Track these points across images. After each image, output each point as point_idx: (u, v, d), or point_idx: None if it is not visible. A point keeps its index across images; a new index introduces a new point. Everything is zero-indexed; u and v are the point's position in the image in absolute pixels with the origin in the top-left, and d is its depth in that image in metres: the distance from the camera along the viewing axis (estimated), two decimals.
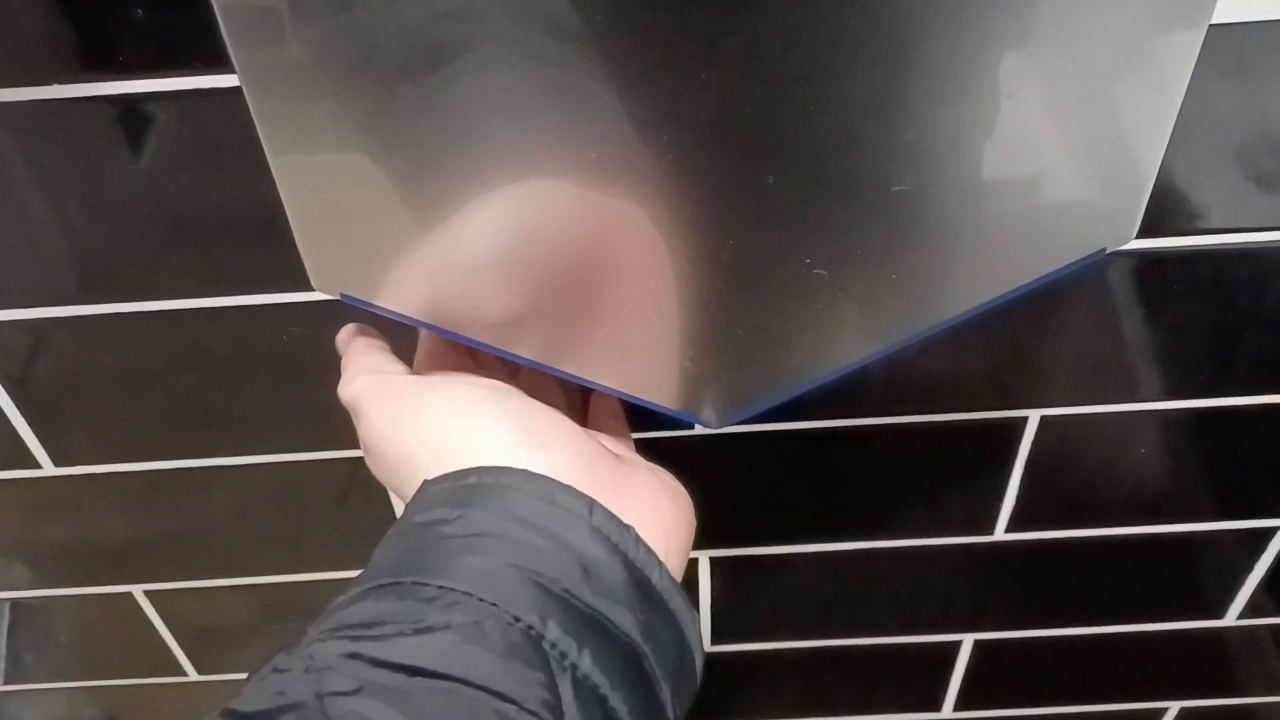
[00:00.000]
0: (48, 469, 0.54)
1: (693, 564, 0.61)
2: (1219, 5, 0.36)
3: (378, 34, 0.30)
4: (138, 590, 0.62)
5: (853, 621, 0.66)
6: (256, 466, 0.55)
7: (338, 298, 0.38)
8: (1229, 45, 0.39)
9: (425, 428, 0.35)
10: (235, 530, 0.59)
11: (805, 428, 0.53)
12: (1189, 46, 0.32)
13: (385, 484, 0.38)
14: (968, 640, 0.67)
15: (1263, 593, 0.64)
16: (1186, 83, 0.33)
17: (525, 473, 0.33)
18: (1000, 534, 0.59)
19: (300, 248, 0.37)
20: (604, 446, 0.36)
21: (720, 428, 0.38)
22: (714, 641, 0.67)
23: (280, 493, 0.56)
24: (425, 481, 0.34)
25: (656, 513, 0.35)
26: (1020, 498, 0.57)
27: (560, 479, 0.33)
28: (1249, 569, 0.63)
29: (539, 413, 0.36)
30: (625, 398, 0.38)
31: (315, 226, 0.36)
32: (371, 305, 0.37)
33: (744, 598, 0.64)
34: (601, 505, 0.33)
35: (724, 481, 0.57)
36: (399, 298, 0.37)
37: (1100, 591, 0.64)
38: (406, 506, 0.34)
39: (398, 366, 0.39)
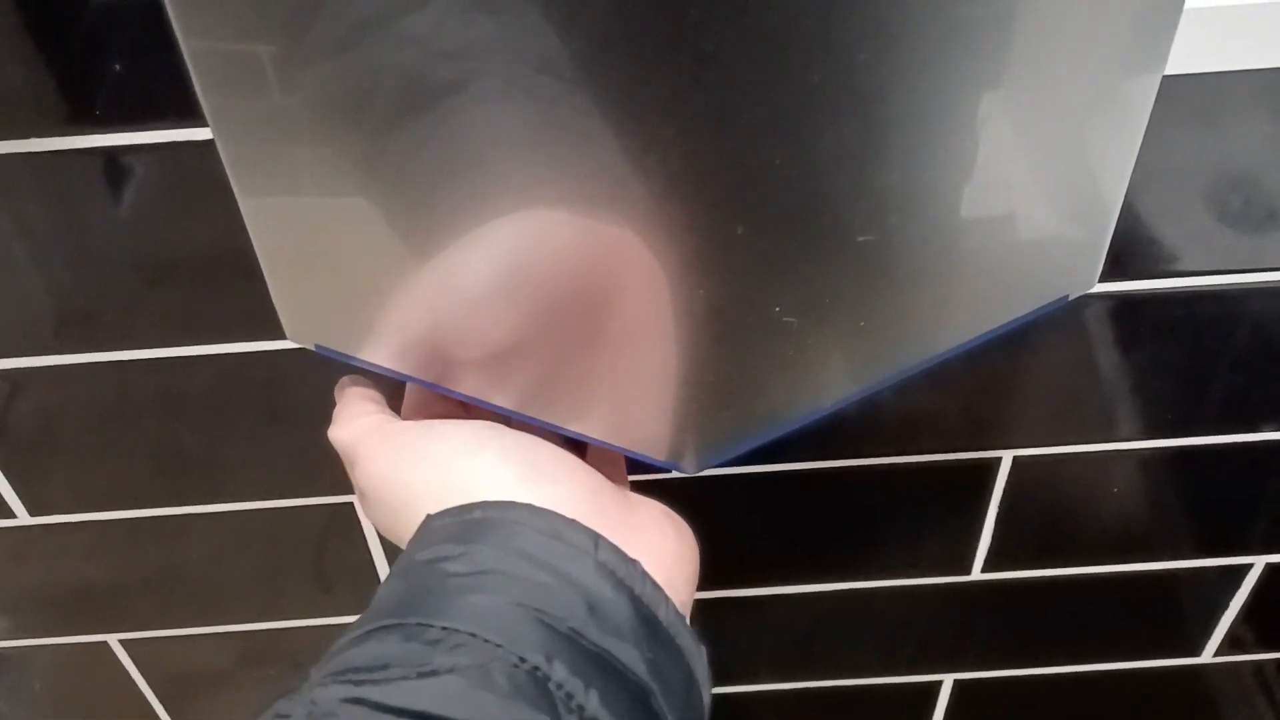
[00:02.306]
0: (23, 518, 0.54)
1: None
2: (1178, 57, 0.37)
3: (361, 78, 0.31)
4: (113, 639, 0.62)
5: (834, 663, 0.66)
6: (233, 513, 0.54)
7: (312, 348, 0.38)
8: (1188, 95, 0.40)
9: (428, 468, 0.35)
10: (212, 577, 0.58)
11: (783, 470, 0.54)
12: (1146, 90, 0.33)
13: (384, 530, 0.38)
14: (948, 680, 0.67)
15: (1239, 628, 0.64)
16: (1144, 126, 0.34)
17: (530, 508, 0.32)
18: (977, 573, 0.60)
19: (274, 297, 0.37)
20: (606, 480, 0.36)
21: (697, 473, 0.38)
22: None
23: (257, 539, 0.56)
24: (429, 516, 0.34)
25: (662, 546, 0.35)
26: (996, 537, 0.57)
27: (565, 513, 0.32)
28: (1225, 606, 0.63)
29: (541, 448, 0.36)
30: (599, 444, 0.38)
31: (289, 275, 0.37)
32: (346, 356, 0.37)
33: (725, 640, 0.64)
34: (607, 540, 0.32)
35: (703, 524, 0.57)
36: (373, 349, 0.37)
37: (1078, 630, 0.64)
38: (409, 543, 0.34)
39: (390, 414, 0.39)
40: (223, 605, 0.60)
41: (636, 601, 0.32)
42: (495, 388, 0.37)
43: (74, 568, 0.57)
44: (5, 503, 0.53)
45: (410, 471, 0.36)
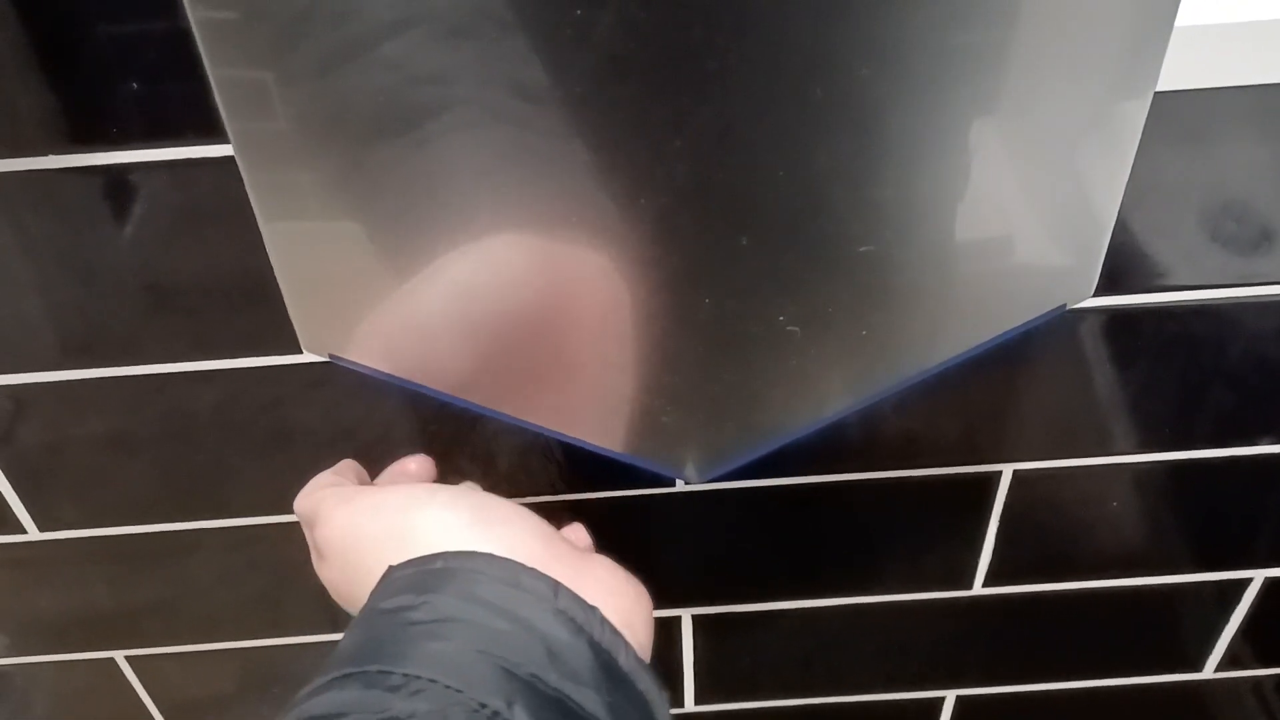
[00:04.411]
0: (32, 534, 0.54)
1: (675, 622, 0.61)
2: (1171, 74, 0.38)
3: (354, 98, 0.31)
4: (119, 655, 0.62)
5: (836, 679, 0.66)
6: (241, 529, 0.55)
7: (327, 359, 0.39)
8: (1180, 112, 0.41)
9: (384, 518, 0.36)
10: (219, 594, 0.59)
11: (784, 484, 0.54)
12: (1137, 112, 0.34)
13: (340, 592, 0.38)
14: (950, 696, 0.67)
15: (1239, 644, 0.65)
16: (1135, 145, 0.35)
17: (490, 557, 0.33)
18: (978, 589, 0.60)
19: (290, 311, 0.38)
20: (554, 528, 0.37)
21: (701, 482, 0.39)
22: (697, 701, 0.67)
23: (265, 555, 0.56)
24: (390, 567, 0.34)
25: (618, 590, 0.35)
26: (996, 552, 0.58)
27: (518, 557, 0.33)
28: (1225, 621, 0.63)
29: (486, 497, 0.37)
30: (606, 454, 0.39)
31: (304, 290, 0.37)
32: (359, 365, 0.38)
33: (727, 656, 0.64)
34: (566, 588, 0.33)
35: (705, 539, 0.57)
36: (385, 356, 0.38)
37: (1078, 645, 0.64)
38: (371, 593, 0.34)
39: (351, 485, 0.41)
40: (229, 622, 0.60)
41: (595, 646, 0.32)
42: (501, 397, 0.38)
43: (82, 584, 0.57)
44: (16, 518, 0.54)
45: (368, 523, 0.37)
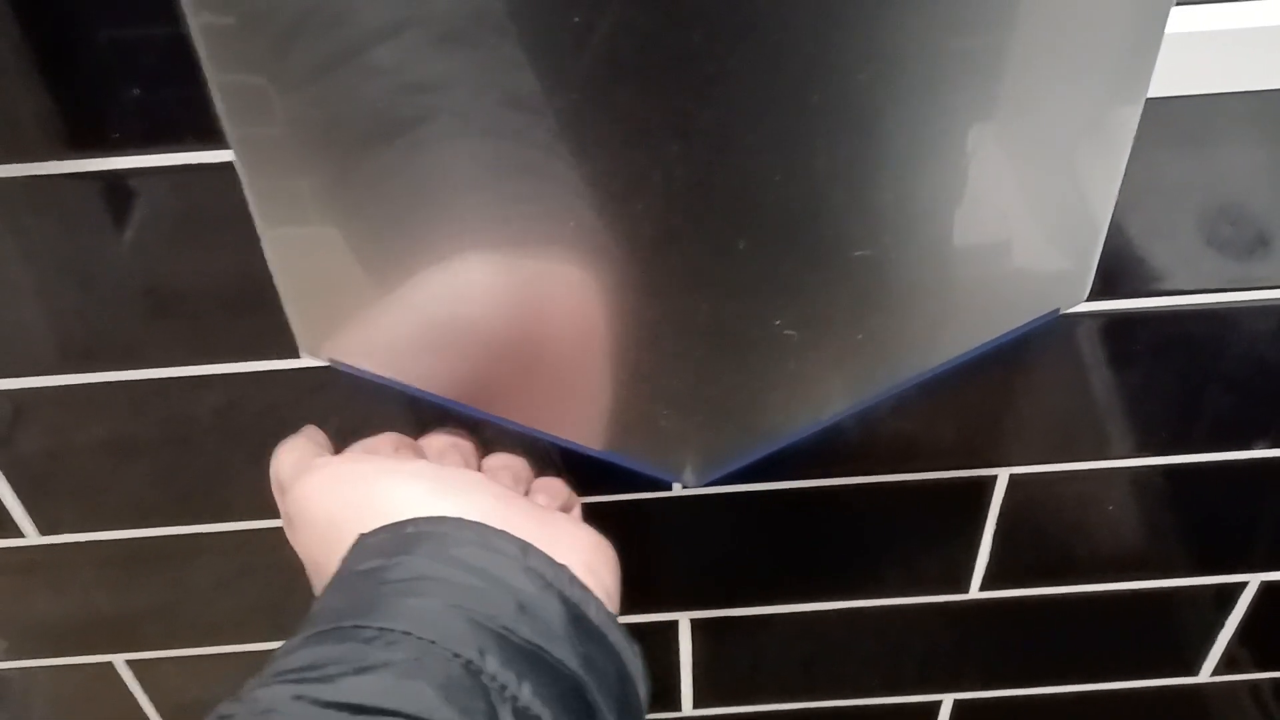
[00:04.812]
0: (32, 538, 0.54)
1: (673, 626, 0.61)
2: (1167, 80, 0.38)
3: (350, 103, 0.32)
4: (119, 659, 0.62)
5: (834, 682, 0.66)
6: (242, 533, 0.55)
7: (326, 363, 0.39)
8: (1177, 117, 0.41)
9: (353, 486, 0.37)
10: (219, 598, 0.59)
11: (782, 488, 0.54)
12: (1130, 115, 0.34)
13: (310, 556, 0.39)
14: (948, 700, 0.67)
15: (1236, 647, 0.65)
16: (1129, 148, 0.35)
17: (460, 521, 0.34)
18: (975, 592, 0.60)
19: (289, 316, 0.38)
20: (513, 492, 0.38)
21: (699, 486, 0.39)
22: (695, 704, 0.67)
23: (266, 560, 0.56)
24: (361, 535, 0.35)
25: (584, 546, 0.36)
26: (993, 555, 0.58)
27: (486, 521, 0.34)
28: (1221, 624, 0.63)
29: (448, 469, 0.38)
30: (604, 458, 0.39)
31: (303, 295, 0.38)
32: (358, 369, 0.38)
33: (725, 659, 0.64)
34: (535, 547, 0.34)
35: (703, 542, 0.57)
36: (383, 361, 0.38)
37: (1075, 649, 0.65)
38: (344, 559, 0.35)
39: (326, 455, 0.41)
40: (230, 626, 0.60)
41: (565, 601, 0.33)
42: (499, 401, 0.38)
43: (81, 588, 0.58)
44: (15, 523, 0.54)
45: (337, 491, 0.37)
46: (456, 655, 0.30)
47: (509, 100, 0.30)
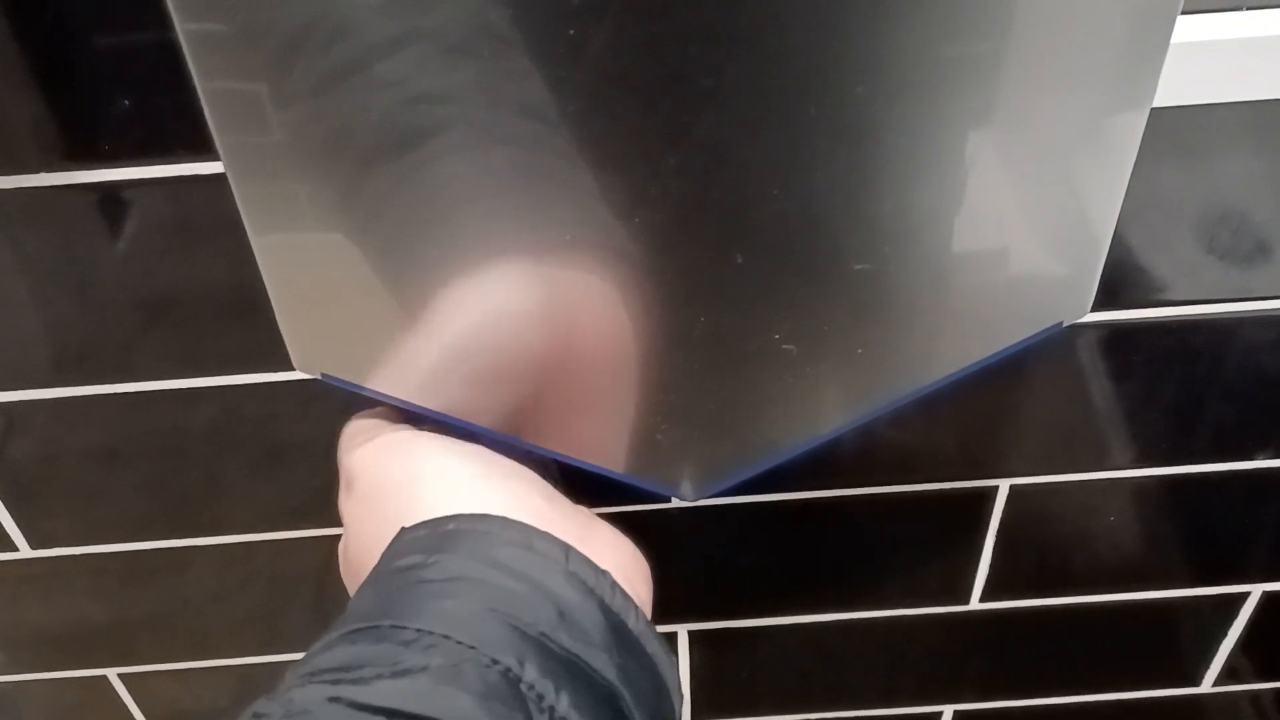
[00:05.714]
0: (24, 551, 0.54)
1: (672, 637, 0.61)
2: (1168, 89, 0.38)
3: (353, 117, 0.31)
4: (112, 673, 0.62)
5: (833, 694, 0.66)
6: (234, 546, 0.55)
7: (318, 377, 0.38)
8: (1177, 127, 0.41)
9: (404, 455, 0.37)
10: (213, 610, 0.58)
11: (781, 500, 0.54)
12: (1134, 126, 0.34)
13: (351, 519, 0.38)
14: (948, 711, 0.67)
15: (1237, 658, 0.65)
16: (1132, 160, 0.35)
17: (504, 520, 0.33)
18: (975, 603, 0.60)
19: (282, 329, 0.38)
20: (558, 491, 0.37)
21: (696, 500, 0.39)
22: (695, 716, 0.66)
23: (258, 572, 0.56)
24: (402, 529, 0.34)
25: (624, 556, 0.35)
26: (994, 566, 0.58)
27: (527, 516, 0.33)
28: (1222, 635, 0.63)
29: (501, 458, 0.37)
30: (602, 473, 0.39)
31: (296, 308, 0.37)
32: (351, 385, 0.38)
33: (724, 671, 0.64)
34: (578, 551, 0.33)
35: (702, 554, 0.57)
36: (377, 377, 0.37)
37: (1076, 659, 0.64)
38: (383, 554, 0.34)
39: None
40: (223, 639, 0.60)
41: (606, 610, 0.32)
42: (494, 417, 0.38)
43: (74, 601, 0.57)
44: (7, 535, 0.53)
45: (391, 459, 0.37)
46: (495, 662, 0.29)
47: (509, 112, 0.30)
